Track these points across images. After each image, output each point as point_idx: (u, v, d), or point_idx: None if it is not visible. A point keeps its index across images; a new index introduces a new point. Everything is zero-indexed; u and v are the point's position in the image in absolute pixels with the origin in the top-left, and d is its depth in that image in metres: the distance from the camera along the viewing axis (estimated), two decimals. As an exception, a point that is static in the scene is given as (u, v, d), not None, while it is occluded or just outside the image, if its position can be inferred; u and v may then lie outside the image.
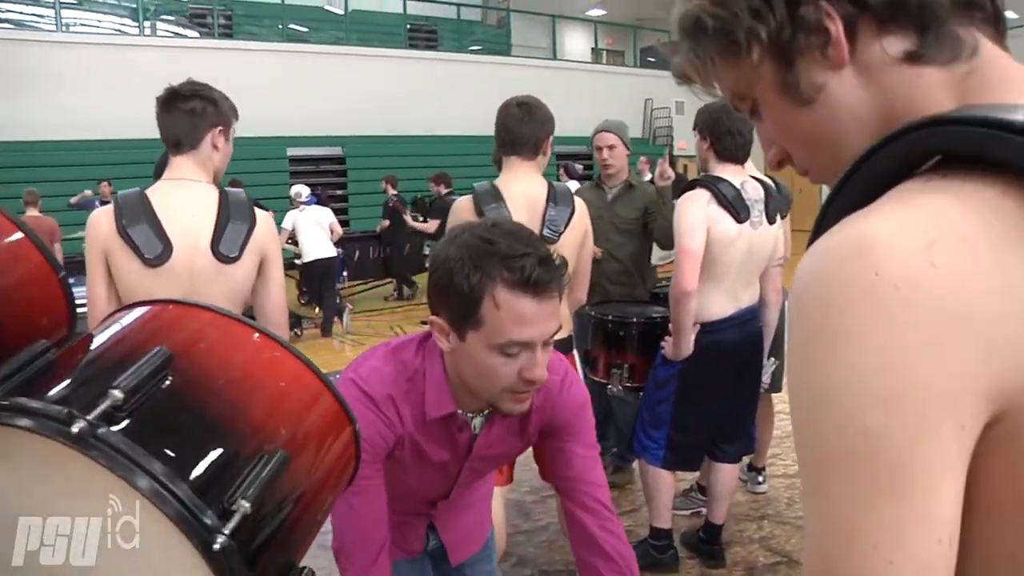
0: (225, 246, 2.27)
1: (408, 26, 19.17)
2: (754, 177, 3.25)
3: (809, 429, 0.58)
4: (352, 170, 16.10)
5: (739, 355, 3.27)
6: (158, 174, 2.43)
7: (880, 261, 0.54)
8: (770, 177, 3.32)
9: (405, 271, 11.37)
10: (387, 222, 10.99)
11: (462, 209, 2.92)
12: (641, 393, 3.43)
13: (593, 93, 17.89)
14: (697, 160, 3.31)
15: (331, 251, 8.86)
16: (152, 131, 2.37)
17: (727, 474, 3.45)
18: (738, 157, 3.20)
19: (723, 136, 3.17)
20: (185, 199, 2.30)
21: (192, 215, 2.28)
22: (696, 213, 3.08)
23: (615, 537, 1.62)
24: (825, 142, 0.71)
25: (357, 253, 11.15)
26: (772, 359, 3.64)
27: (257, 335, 1.13)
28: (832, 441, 0.55)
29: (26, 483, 0.97)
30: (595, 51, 23.44)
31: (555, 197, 2.93)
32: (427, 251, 10.06)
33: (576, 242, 2.97)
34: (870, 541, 0.54)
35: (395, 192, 11.14)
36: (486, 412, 1.60)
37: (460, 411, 1.56)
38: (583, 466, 1.64)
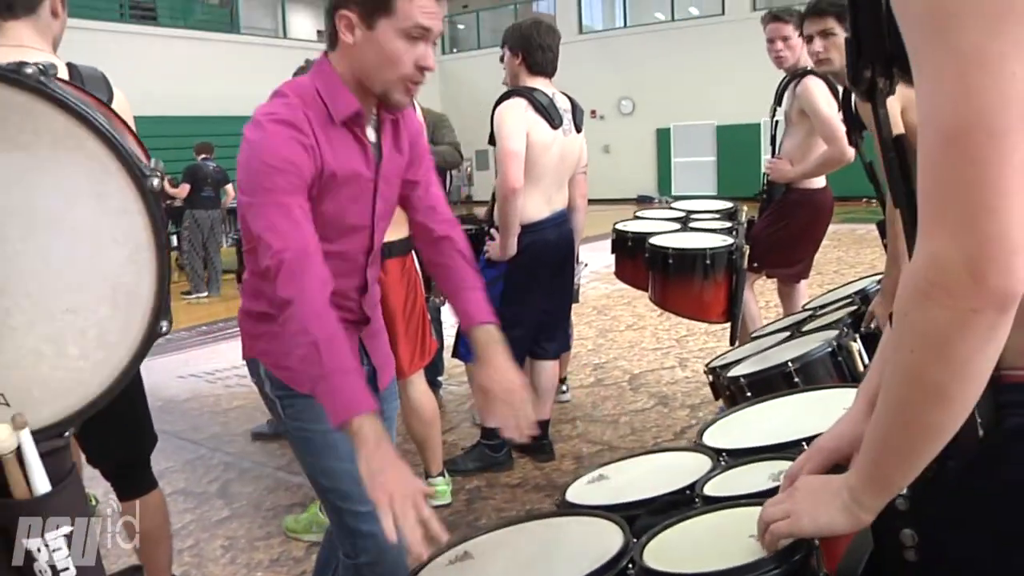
0: None
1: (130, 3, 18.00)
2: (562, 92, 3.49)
3: None
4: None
5: (556, 255, 3.50)
6: None
7: None
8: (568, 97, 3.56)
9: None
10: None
11: None
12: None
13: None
14: (507, 76, 3.49)
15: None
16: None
17: (549, 370, 3.67)
18: (547, 71, 3.43)
19: (535, 51, 3.39)
20: None
21: None
22: (517, 118, 3.27)
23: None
24: None
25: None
26: (583, 263, 3.92)
27: None
28: None
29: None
30: (321, 33, 23.13)
31: None
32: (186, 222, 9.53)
33: None
34: (997, 59, 0.67)
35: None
36: (373, 121, 1.74)
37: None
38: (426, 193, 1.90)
